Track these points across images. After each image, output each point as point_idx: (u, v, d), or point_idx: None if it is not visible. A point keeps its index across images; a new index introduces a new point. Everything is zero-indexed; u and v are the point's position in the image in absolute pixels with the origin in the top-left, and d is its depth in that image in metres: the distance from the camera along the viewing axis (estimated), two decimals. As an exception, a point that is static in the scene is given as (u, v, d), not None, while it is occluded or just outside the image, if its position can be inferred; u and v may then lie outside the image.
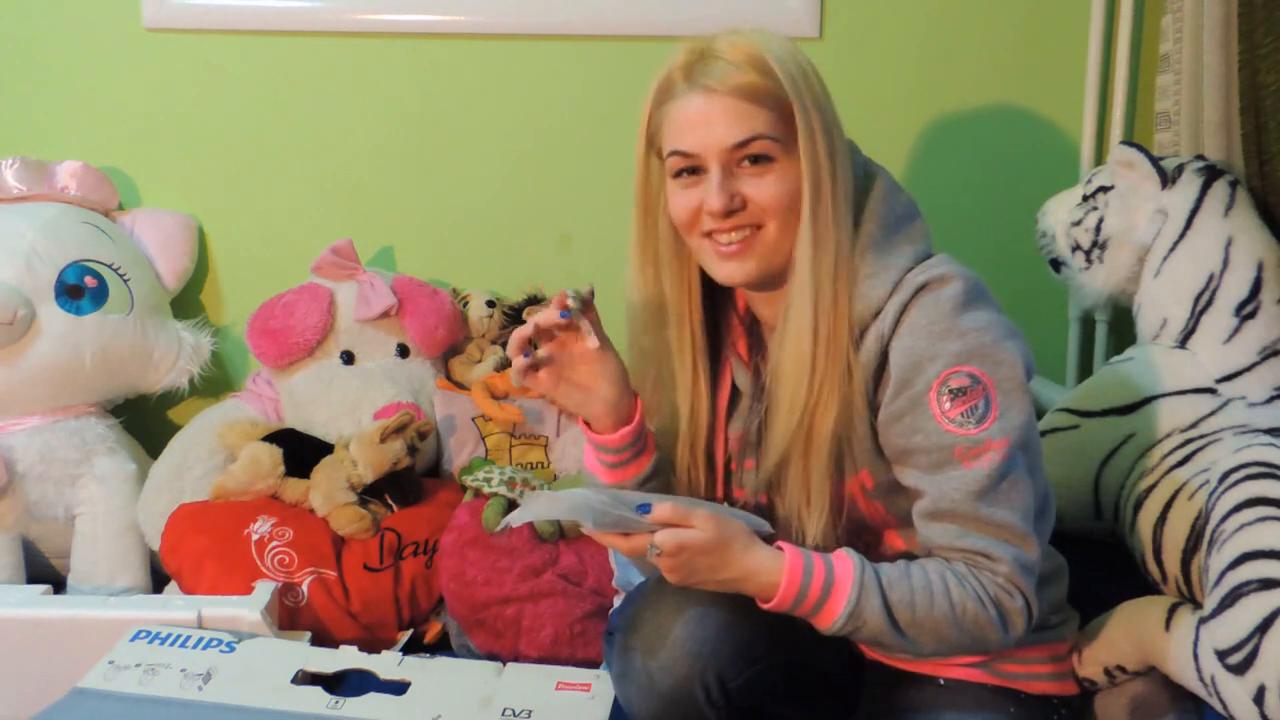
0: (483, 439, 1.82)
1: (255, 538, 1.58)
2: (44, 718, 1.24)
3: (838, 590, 1.03)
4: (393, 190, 1.98)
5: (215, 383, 1.97)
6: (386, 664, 1.37)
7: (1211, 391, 1.43)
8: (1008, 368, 1.05)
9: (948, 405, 1.04)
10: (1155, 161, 1.52)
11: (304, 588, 1.55)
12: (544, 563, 1.57)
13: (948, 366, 1.04)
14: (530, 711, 1.27)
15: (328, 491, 1.64)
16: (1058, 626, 1.24)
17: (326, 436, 1.75)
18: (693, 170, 1.08)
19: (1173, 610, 1.25)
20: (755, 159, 1.06)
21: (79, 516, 1.73)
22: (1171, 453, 1.39)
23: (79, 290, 1.76)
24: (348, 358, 1.85)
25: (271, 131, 1.96)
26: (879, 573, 1.05)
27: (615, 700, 1.21)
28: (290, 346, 1.80)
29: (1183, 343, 1.47)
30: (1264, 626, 1.11)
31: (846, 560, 1.05)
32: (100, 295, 1.77)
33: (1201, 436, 1.38)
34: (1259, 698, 1.11)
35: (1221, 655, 1.14)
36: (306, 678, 1.34)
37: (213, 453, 1.76)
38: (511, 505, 1.61)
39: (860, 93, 1.86)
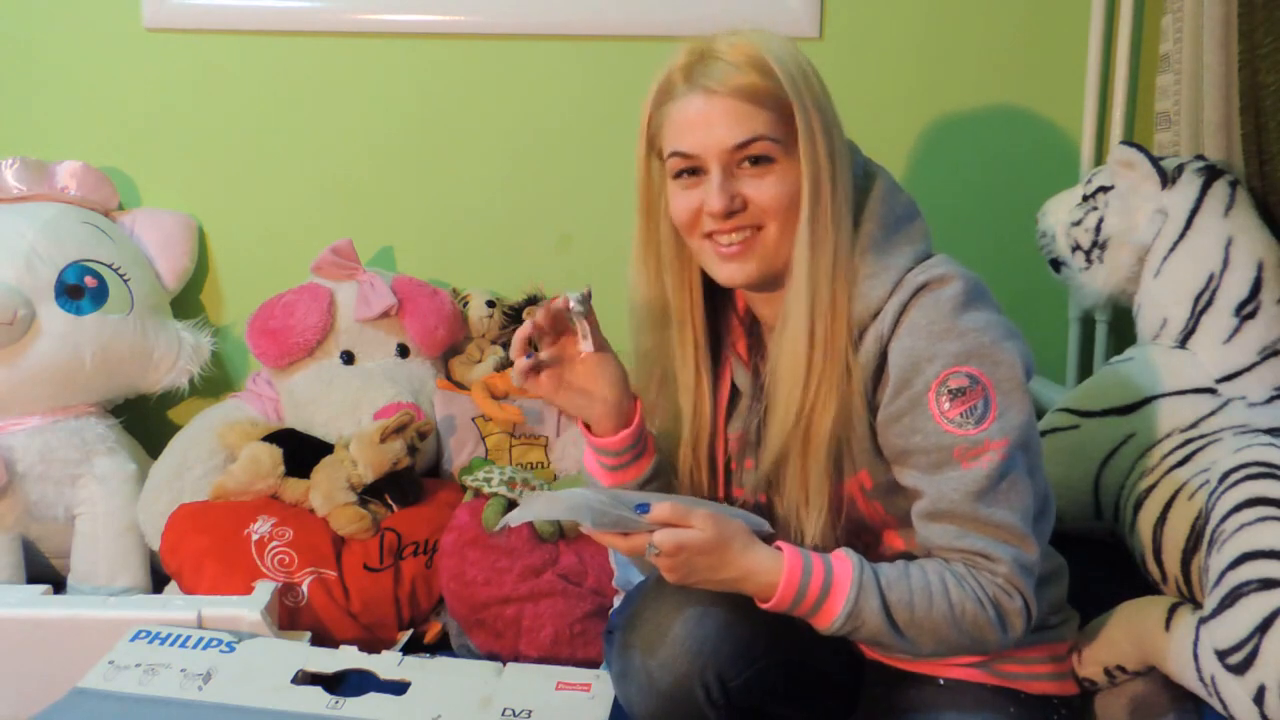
0: (483, 439, 1.82)
1: (255, 538, 1.58)
2: (44, 718, 1.24)
3: (836, 590, 1.03)
4: (393, 190, 1.98)
5: (215, 383, 1.97)
6: (386, 664, 1.37)
7: (1211, 391, 1.43)
8: (1007, 368, 1.05)
9: (947, 405, 1.04)
10: (1155, 161, 1.52)
11: (304, 588, 1.55)
12: (544, 563, 1.57)
13: (947, 367, 1.04)
14: (530, 711, 1.27)
15: (328, 491, 1.64)
16: (1058, 626, 1.24)
17: (326, 436, 1.75)
18: (693, 171, 1.08)
19: (1173, 610, 1.25)
20: (756, 160, 1.06)
21: (79, 516, 1.73)
22: (1171, 453, 1.39)
23: (79, 290, 1.76)
24: (348, 358, 1.85)
25: (271, 131, 1.96)
26: (878, 573, 1.05)
27: (615, 700, 1.21)
28: (290, 346, 1.80)
29: (1183, 343, 1.47)
30: (1264, 626, 1.11)
31: (845, 560, 1.05)
32: (100, 295, 1.77)
33: (1201, 436, 1.38)
34: (1259, 698, 1.11)
35: (1221, 655, 1.14)
36: (306, 678, 1.34)
37: (213, 453, 1.76)
38: (511, 505, 1.61)
39: (860, 93, 1.86)
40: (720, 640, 1.08)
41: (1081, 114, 1.89)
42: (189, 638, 1.37)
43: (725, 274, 1.11)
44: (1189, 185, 1.50)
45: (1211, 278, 1.45)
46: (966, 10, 1.88)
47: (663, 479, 1.18)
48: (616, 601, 1.53)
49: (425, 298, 1.88)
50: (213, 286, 2.01)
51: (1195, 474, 1.34)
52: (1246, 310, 1.44)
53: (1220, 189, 1.49)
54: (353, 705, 1.28)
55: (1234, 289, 1.44)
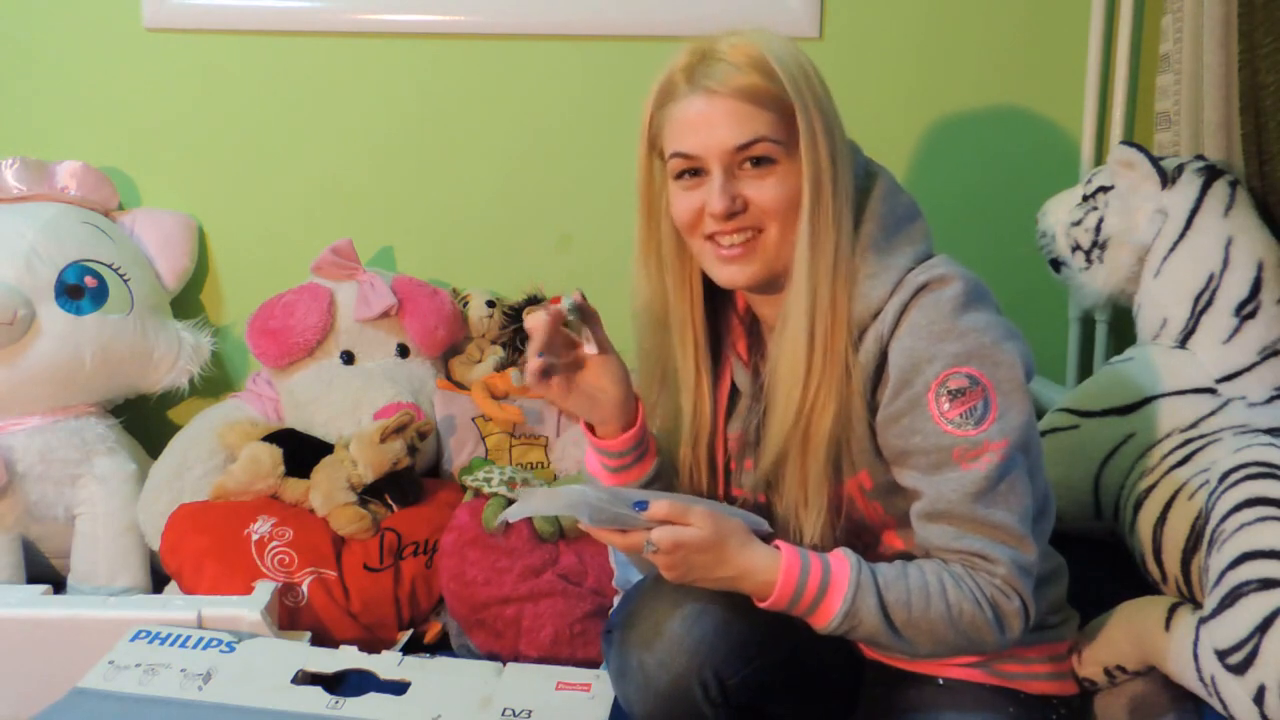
0: (483, 439, 1.82)
1: (255, 538, 1.58)
2: (44, 718, 1.24)
3: (834, 589, 1.03)
4: (393, 190, 1.98)
5: (215, 383, 1.97)
6: (386, 664, 1.37)
7: (1211, 391, 1.43)
8: (1007, 369, 1.05)
9: (946, 406, 1.04)
10: (1155, 161, 1.52)
11: (304, 588, 1.55)
12: (544, 563, 1.57)
13: (947, 367, 1.04)
14: (530, 711, 1.27)
15: (328, 491, 1.64)
16: (1057, 626, 1.24)
17: (326, 436, 1.75)
18: (694, 172, 1.08)
19: (1173, 610, 1.25)
20: (757, 161, 1.06)
21: (79, 516, 1.73)
22: (1171, 453, 1.39)
23: (79, 290, 1.76)
24: (348, 358, 1.85)
25: (271, 131, 1.96)
26: (875, 573, 1.05)
27: (615, 700, 1.21)
28: (290, 346, 1.80)
29: (1183, 343, 1.47)
30: (1264, 626, 1.11)
31: (843, 560, 1.05)
32: (100, 295, 1.78)
33: (1201, 436, 1.38)
34: (1259, 698, 1.11)
35: (1221, 655, 1.14)
36: (306, 678, 1.34)
37: (213, 453, 1.76)
38: (511, 505, 1.61)
39: (860, 93, 1.86)
40: (718, 638, 1.08)
41: (1081, 114, 1.89)
42: (189, 638, 1.37)
43: (725, 276, 1.11)
44: (1189, 185, 1.50)
45: (1211, 278, 1.45)
46: (966, 10, 1.88)
47: (664, 480, 1.18)
48: (616, 601, 1.53)
49: (425, 298, 1.88)
50: (213, 286, 2.01)
51: (1195, 474, 1.34)
52: (1246, 310, 1.44)
53: (1220, 189, 1.49)
54: (353, 705, 1.28)
55: (1234, 289, 1.44)
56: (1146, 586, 1.38)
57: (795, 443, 1.10)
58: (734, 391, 1.21)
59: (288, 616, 1.53)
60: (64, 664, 1.38)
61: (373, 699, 1.29)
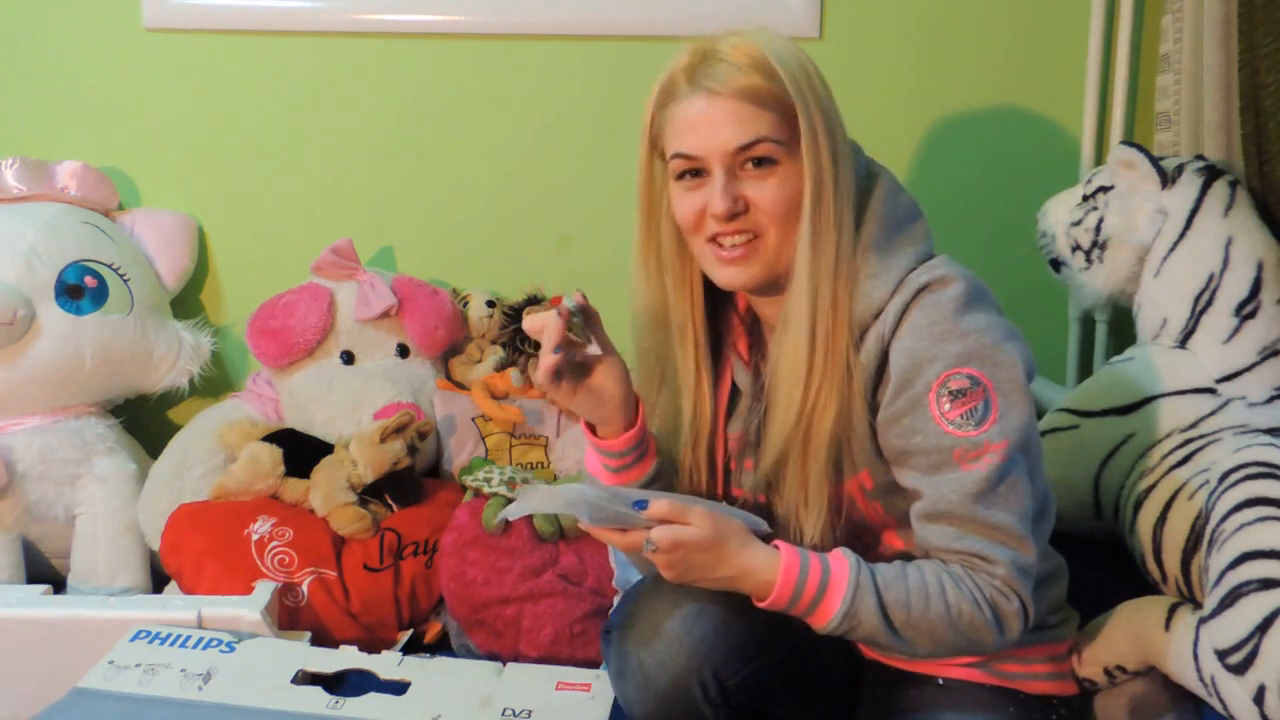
0: (483, 439, 1.82)
1: (255, 538, 1.58)
2: (44, 718, 1.24)
3: (833, 590, 1.03)
4: (393, 190, 1.98)
5: (215, 383, 1.97)
6: (386, 664, 1.37)
7: (1211, 391, 1.43)
8: (1008, 369, 1.05)
9: (947, 407, 1.04)
10: (1155, 161, 1.52)
11: (304, 588, 1.55)
12: (544, 563, 1.57)
13: (948, 368, 1.04)
14: (530, 711, 1.27)
15: (328, 491, 1.64)
16: (1057, 626, 1.24)
17: (326, 436, 1.75)
18: (696, 173, 1.08)
19: (1173, 610, 1.25)
20: (759, 162, 1.06)
21: (79, 516, 1.73)
22: (1171, 453, 1.39)
23: (79, 290, 1.76)
24: (348, 358, 1.85)
25: (271, 131, 1.96)
26: (875, 573, 1.05)
27: (615, 700, 1.21)
28: (290, 346, 1.80)
29: (1183, 343, 1.47)
30: (1264, 626, 1.11)
31: (842, 560, 1.05)
32: (100, 295, 1.78)
33: (1201, 436, 1.38)
34: (1259, 698, 1.11)
35: (1221, 655, 1.14)
36: (306, 678, 1.34)
37: (213, 453, 1.76)
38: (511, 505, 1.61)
39: (860, 93, 1.86)
40: (717, 638, 1.08)
41: (1081, 114, 1.89)
42: (189, 638, 1.37)
43: (725, 277, 1.11)
44: (1189, 185, 1.50)
45: (1211, 278, 1.45)
46: (966, 10, 1.88)
47: (664, 480, 1.18)
48: (616, 601, 1.53)
49: (425, 298, 1.88)
50: (213, 286, 2.01)
51: (1195, 474, 1.34)
52: (1246, 310, 1.44)
53: (1220, 189, 1.49)
54: (353, 705, 1.28)
55: (1234, 289, 1.44)
56: (1146, 586, 1.38)
57: (796, 443, 1.10)
58: (734, 391, 1.21)
59: (288, 616, 1.53)
60: (64, 664, 1.38)
61: (373, 699, 1.29)
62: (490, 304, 1.93)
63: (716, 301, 1.20)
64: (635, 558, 1.14)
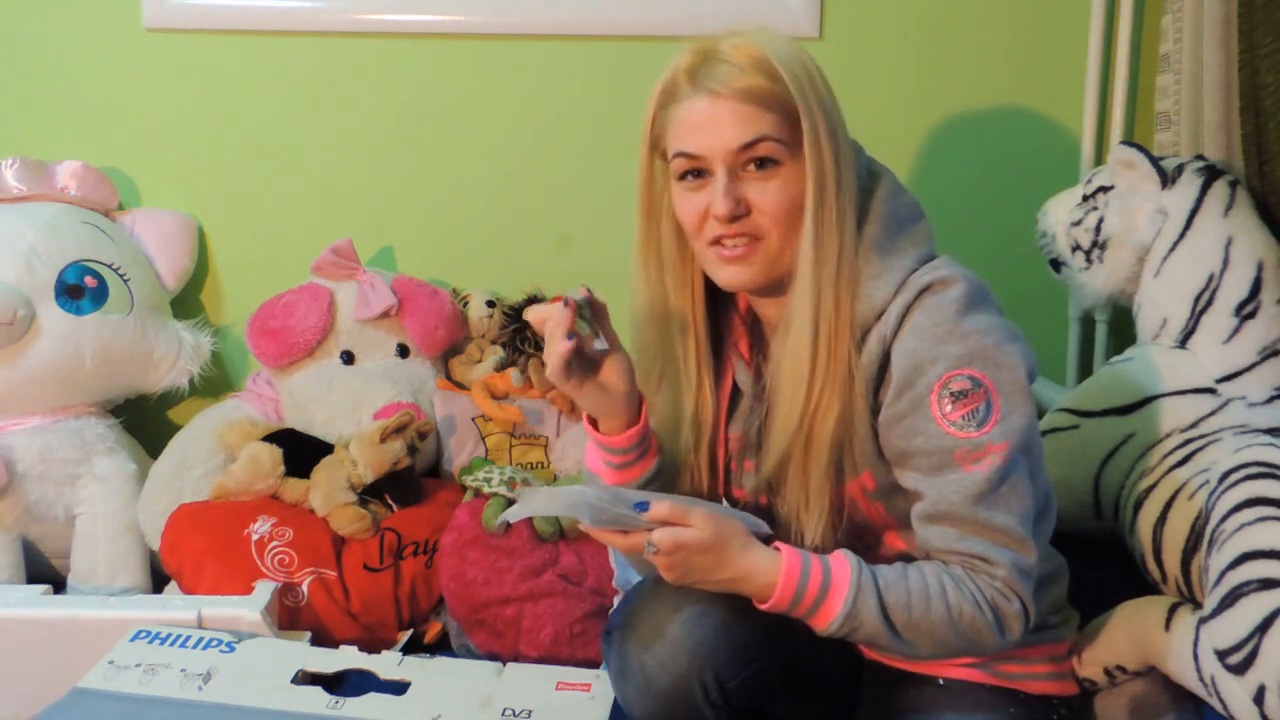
0: (483, 439, 1.82)
1: (255, 538, 1.58)
2: (44, 718, 1.24)
3: (834, 592, 1.03)
4: (393, 190, 1.98)
5: (215, 383, 1.97)
6: (386, 664, 1.37)
7: (1211, 391, 1.43)
8: (1009, 371, 1.05)
9: (949, 408, 1.04)
10: (1155, 161, 1.52)
11: (304, 588, 1.55)
12: (544, 563, 1.57)
13: (949, 369, 1.04)
14: (530, 711, 1.27)
15: (328, 491, 1.64)
16: (1058, 627, 1.24)
17: (326, 436, 1.75)
18: (698, 173, 1.08)
19: (1173, 610, 1.25)
20: (761, 163, 1.06)
21: (79, 516, 1.73)
22: (1171, 453, 1.39)
23: (79, 290, 1.76)
24: (348, 358, 1.85)
25: (271, 131, 1.96)
26: (876, 575, 1.05)
27: (615, 700, 1.21)
28: (290, 346, 1.80)
29: (1183, 343, 1.47)
30: (1264, 626, 1.11)
31: (844, 562, 1.05)
32: (100, 295, 1.77)
33: (1201, 436, 1.38)
34: (1259, 698, 1.11)
35: (1221, 655, 1.14)
36: (306, 678, 1.34)
37: (213, 453, 1.76)
38: (511, 505, 1.61)
39: (860, 93, 1.85)
40: (718, 640, 1.08)
41: (1081, 114, 1.89)
42: (189, 638, 1.37)
43: (726, 277, 1.11)
44: (1189, 185, 1.50)
45: (1211, 278, 1.45)
46: (966, 10, 1.88)
47: (665, 478, 1.18)
48: (616, 601, 1.53)
49: (425, 298, 1.88)
50: (213, 286, 2.01)
51: (1195, 474, 1.34)
52: (1246, 310, 1.44)
53: (1220, 189, 1.49)
54: (353, 705, 1.28)
55: (1234, 289, 1.44)
56: (1146, 586, 1.38)
57: (798, 446, 1.10)
58: (735, 391, 1.21)
59: (288, 616, 1.53)
60: (64, 664, 1.37)
61: (373, 699, 1.29)
62: (490, 304, 1.93)
63: (717, 302, 1.20)
64: (636, 559, 1.13)
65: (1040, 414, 1.42)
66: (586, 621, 1.53)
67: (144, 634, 1.38)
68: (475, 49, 1.92)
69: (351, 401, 1.78)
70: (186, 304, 1.98)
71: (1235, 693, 1.13)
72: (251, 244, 1.99)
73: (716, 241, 1.09)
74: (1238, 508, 1.19)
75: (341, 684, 1.35)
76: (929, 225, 1.14)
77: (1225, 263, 1.45)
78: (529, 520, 1.59)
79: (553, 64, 1.92)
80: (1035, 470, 1.09)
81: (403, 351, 1.88)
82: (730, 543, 1.03)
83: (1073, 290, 1.70)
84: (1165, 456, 1.39)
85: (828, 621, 1.04)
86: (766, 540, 1.06)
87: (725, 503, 1.22)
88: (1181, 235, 1.49)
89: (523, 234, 1.98)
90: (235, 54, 1.93)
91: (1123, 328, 1.82)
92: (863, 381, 1.08)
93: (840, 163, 1.07)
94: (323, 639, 1.52)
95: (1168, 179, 1.51)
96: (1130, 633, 1.27)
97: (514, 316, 1.89)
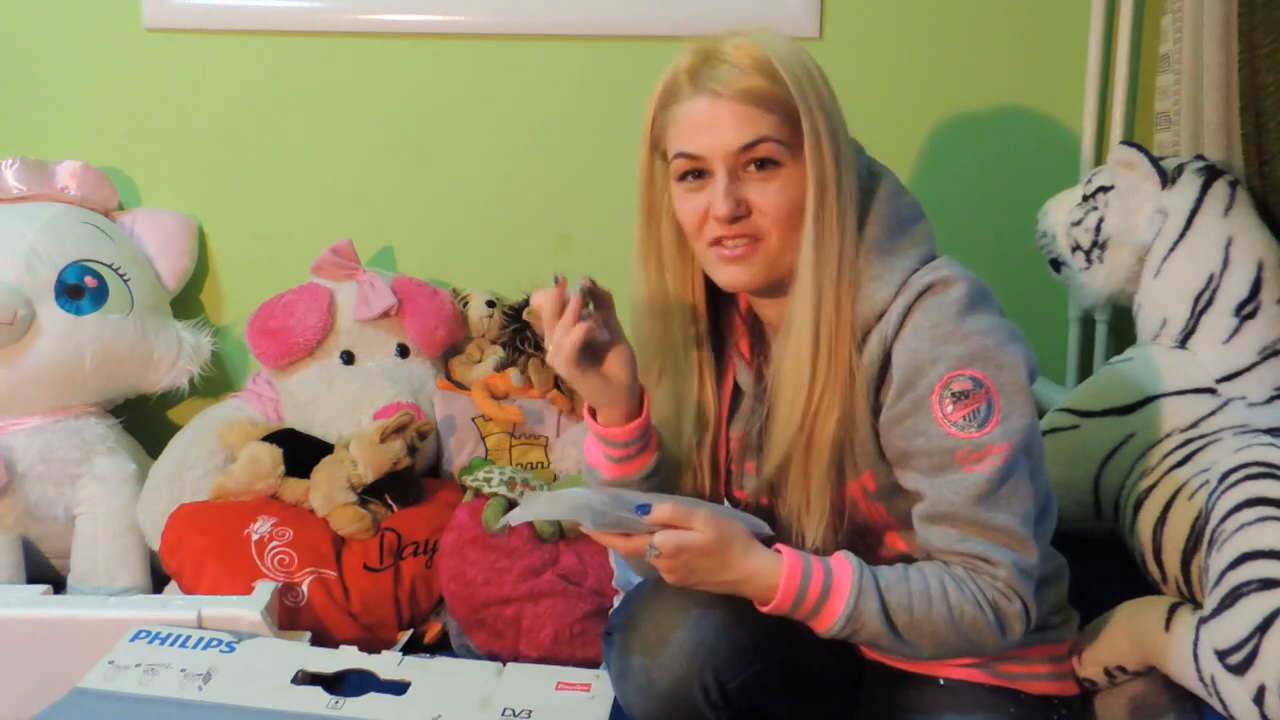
0: (483, 439, 1.82)
1: (255, 538, 1.58)
2: (44, 718, 1.24)
3: (836, 593, 1.03)
4: (393, 190, 1.98)
5: (215, 383, 1.97)
6: (386, 664, 1.37)
7: (1211, 391, 1.43)
8: (1010, 371, 1.05)
9: (950, 408, 1.04)
10: (1155, 161, 1.52)
11: (304, 588, 1.55)
12: (544, 563, 1.57)
13: (950, 370, 1.04)
14: (530, 711, 1.27)
15: (328, 491, 1.64)
16: (1058, 627, 1.24)
17: (326, 436, 1.75)
18: (698, 174, 1.08)
19: (1173, 610, 1.25)
20: (761, 163, 1.06)
21: (79, 516, 1.73)
22: (1171, 453, 1.39)
23: (79, 290, 1.76)
24: (348, 358, 1.85)
25: (271, 131, 1.96)
26: (877, 576, 1.05)
27: (615, 701, 1.21)
28: (290, 346, 1.80)
29: (1183, 343, 1.47)
30: (1264, 626, 1.11)
31: (845, 563, 1.05)
32: (100, 295, 1.77)
33: (1201, 436, 1.38)
34: (1259, 698, 1.11)
35: (1221, 655, 1.14)
36: (306, 678, 1.34)
37: (213, 453, 1.76)
38: (511, 505, 1.61)
39: (860, 93, 1.83)
40: (719, 641, 1.08)
41: (1081, 114, 1.89)
42: (189, 638, 1.37)
43: (726, 277, 1.11)
44: (1189, 185, 1.50)
45: (1211, 278, 1.45)
46: (966, 10, 1.88)
47: (664, 474, 1.18)
48: (616, 602, 1.53)
49: (425, 298, 1.88)
50: (213, 286, 2.01)
51: (1195, 474, 1.34)
52: (1246, 310, 1.44)
53: (1220, 189, 1.49)
54: (353, 705, 1.28)
55: (1234, 289, 1.44)
56: (1146, 586, 1.38)
57: (799, 447, 1.10)
58: (736, 391, 1.21)
59: (288, 616, 1.53)
60: (64, 664, 1.37)
61: (373, 699, 1.29)
62: (490, 304, 1.93)
63: (718, 302, 1.20)
64: (637, 562, 1.13)
65: (1040, 414, 1.42)
66: (586, 621, 1.53)
67: (144, 634, 1.38)
68: (475, 49, 1.92)
69: (351, 401, 1.78)
70: (186, 304, 1.98)
71: (1235, 693, 1.13)
72: (251, 244, 1.99)
73: (717, 242, 1.09)
74: (1238, 508, 1.19)
75: (341, 684, 1.35)
76: (930, 225, 1.14)
77: (1225, 263, 1.45)
78: (529, 521, 1.59)
79: (552, 64, 1.92)
80: (1036, 470, 1.09)
81: (403, 351, 1.88)
82: (732, 545, 1.02)
83: (1073, 290, 1.70)
84: (1165, 456, 1.39)
85: (829, 623, 1.04)
86: (768, 542, 1.06)
87: (726, 503, 1.22)
88: (1181, 235, 1.49)
89: (523, 234, 1.98)
90: (235, 54, 1.93)
91: (1123, 328, 1.82)
92: (864, 382, 1.08)
93: (841, 163, 1.07)
94: (323, 639, 1.52)
95: (1168, 179, 1.51)
96: (1130, 633, 1.27)
97: (514, 316, 1.90)
